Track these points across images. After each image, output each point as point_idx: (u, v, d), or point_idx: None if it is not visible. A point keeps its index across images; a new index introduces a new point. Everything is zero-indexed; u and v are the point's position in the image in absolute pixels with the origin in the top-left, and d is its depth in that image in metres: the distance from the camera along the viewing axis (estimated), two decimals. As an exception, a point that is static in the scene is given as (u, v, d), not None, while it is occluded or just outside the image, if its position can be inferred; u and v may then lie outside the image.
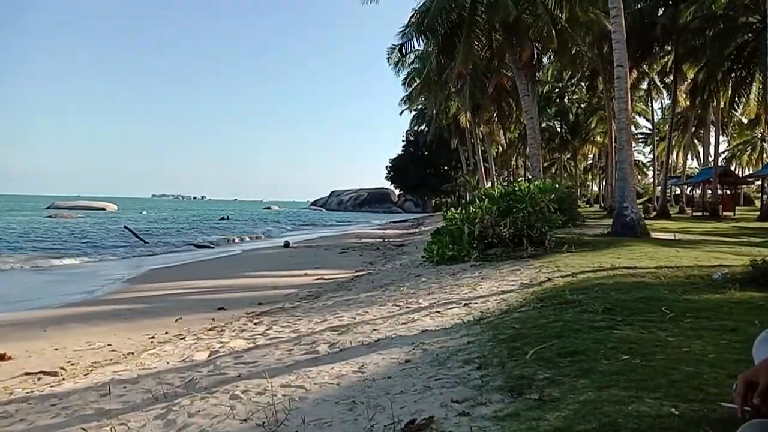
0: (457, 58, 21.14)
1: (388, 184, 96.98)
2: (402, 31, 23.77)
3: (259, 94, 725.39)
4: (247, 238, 33.17)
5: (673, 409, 2.60)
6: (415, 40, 23.32)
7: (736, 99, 28.53)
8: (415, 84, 38.88)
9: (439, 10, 20.52)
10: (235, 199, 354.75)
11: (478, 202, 13.28)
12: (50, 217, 53.11)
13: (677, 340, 3.95)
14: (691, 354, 3.55)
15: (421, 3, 24.99)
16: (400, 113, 55.82)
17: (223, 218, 59.75)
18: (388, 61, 35.50)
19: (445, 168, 79.80)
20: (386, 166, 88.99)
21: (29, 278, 15.36)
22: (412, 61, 37.95)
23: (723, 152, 58.29)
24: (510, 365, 3.74)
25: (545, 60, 31.32)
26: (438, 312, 6.58)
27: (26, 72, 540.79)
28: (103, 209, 78.15)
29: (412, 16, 24.66)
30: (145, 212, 77.56)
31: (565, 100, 52.13)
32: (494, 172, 43.59)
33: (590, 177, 75.95)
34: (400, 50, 24.92)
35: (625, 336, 4.11)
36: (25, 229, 36.39)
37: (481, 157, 40.13)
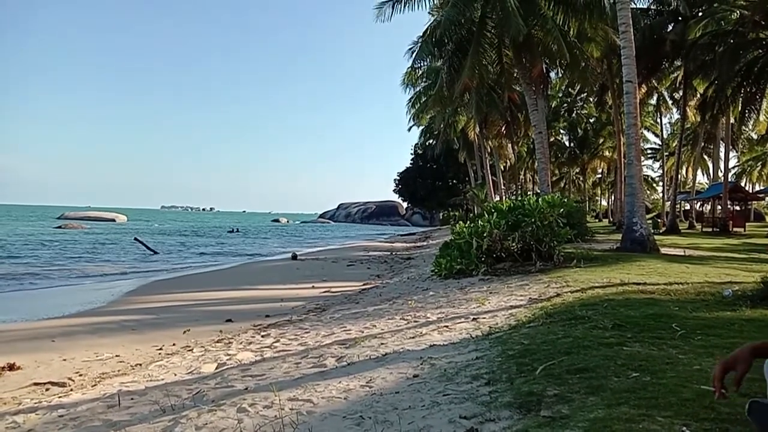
0: (463, 71, 21.18)
1: (395, 197, 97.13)
2: (411, 49, 23.84)
3: (267, 106, 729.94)
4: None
5: (684, 428, 2.58)
6: (425, 56, 23.40)
7: (746, 115, 28.42)
8: (424, 99, 38.92)
9: (449, 24, 20.62)
10: (244, 211, 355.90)
11: (486, 215, 13.27)
12: (60, 227, 53.46)
13: (688, 357, 3.92)
14: (702, 372, 3.52)
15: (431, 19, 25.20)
16: (408, 129, 56.00)
17: (231, 231, 59.28)
18: (403, 84, 35.49)
19: (454, 181, 79.76)
20: (394, 179, 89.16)
21: (34, 290, 15.43)
22: (420, 76, 38.08)
23: (733, 168, 58.09)
24: (519, 381, 3.72)
25: (554, 75, 31.34)
26: (446, 326, 6.55)
27: (37, 83, 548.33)
28: (113, 220, 78.68)
29: (425, 31, 24.80)
30: (156, 224, 77.74)
31: (574, 114, 52.13)
32: (502, 186, 43.55)
33: (599, 191, 75.72)
34: (413, 68, 24.99)
35: (635, 353, 4.08)
36: (35, 239, 36.63)
37: (489, 171, 40.11)
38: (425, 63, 26.67)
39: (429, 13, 29.07)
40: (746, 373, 1.67)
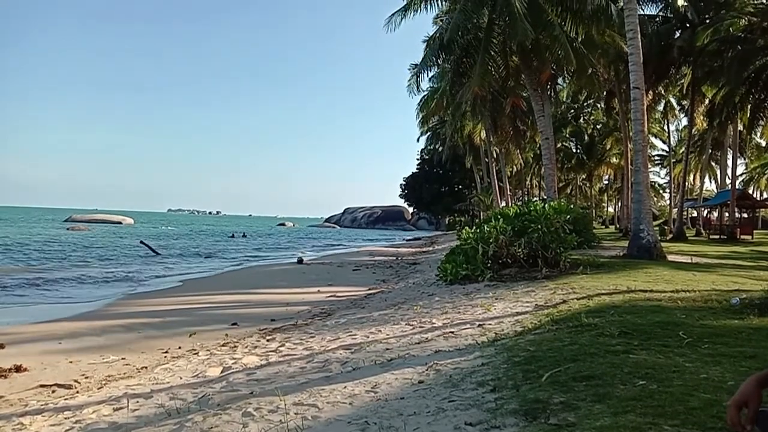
0: (472, 78, 21.26)
1: (401, 202, 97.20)
2: (424, 59, 23.76)
3: (274, 111, 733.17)
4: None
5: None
6: (431, 62, 23.43)
7: (755, 121, 28.31)
8: (432, 102, 38.84)
9: (456, 29, 20.66)
10: (250, 215, 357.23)
11: (492, 221, 13.25)
12: (69, 229, 53.72)
13: (695, 365, 3.89)
14: (710, 380, 3.50)
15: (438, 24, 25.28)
16: (417, 139, 56.14)
17: (232, 236, 55.59)
18: (408, 89, 34.74)
19: (460, 187, 79.77)
20: (400, 184, 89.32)
21: (41, 291, 15.49)
22: (430, 78, 38.07)
23: (741, 175, 57.77)
24: (525, 388, 3.71)
25: (561, 81, 31.33)
26: (451, 332, 6.54)
27: (42, 85, 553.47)
28: (120, 223, 78.96)
29: (431, 37, 24.89)
30: (164, 227, 77.72)
31: (581, 120, 52.03)
32: (509, 192, 43.46)
33: (606, 198, 75.48)
34: (418, 74, 24.95)
35: (642, 361, 4.06)
36: (43, 241, 36.79)
37: (495, 177, 40.05)
38: (432, 70, 26.65)
39: (433, 22, 29.21)
40: (758, 408, 1.64)
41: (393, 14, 22.40)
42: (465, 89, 22.54)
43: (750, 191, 56.12)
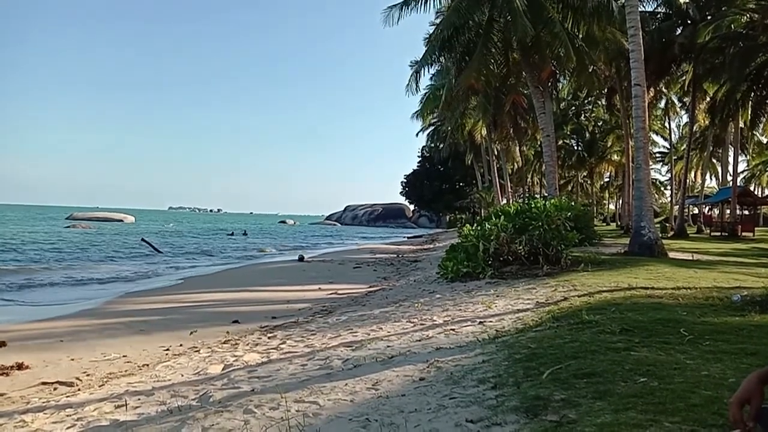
0: (466, 71, 21.21)
1: (402, 200, 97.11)
2: (424, 57, 23.59)
3: (275, 110, 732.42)
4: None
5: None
6: (430, 59, 23.33)
7: (756, 118, 28.27)
8: (440, 100, 38.75)
9: (456, 27, 20.62)
10: (251, 213, 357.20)
11: (493, 218, 13.24)
12: (70, 227, 53.73)
13: (696, 363, 3.89)
14: (711, 377, 3.50)
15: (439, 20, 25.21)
16: (416, 134, 56.24)
17: (231, 234, 54.99)
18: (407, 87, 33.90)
19: (461, 184, 79.71)
20: (401, 182, 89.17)
21: (43, 289, 15.51)
22: (432, 76, 37.93)
23: (742, 172, 57.75)
24: (526, 385, 3.71)
25: (562, 78, 31.29)
26: (453, 329, 6.54)
27: (43, 84, 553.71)
28: (121, 221, 79.04)
29: (431, 35, 24.81)
30: (170, 224, 77.56)
31: (582, 118, 51.98)
32: (510, 189, 43.43)
33: (607, 195, 75.44)
34: (417, 72, 24.73)
35: (643, 358, 4.06)
36: (45, 239, 36.83)
37: (496, 174, 40.03)
38: (433, 67, 26.57)
39: (431, 23, 29.10)
40: (760, 405, 1.64)
41: (391, 7, 22.23)
42: (460, 80, 22.45)
43: (751, 188, 56.07)
